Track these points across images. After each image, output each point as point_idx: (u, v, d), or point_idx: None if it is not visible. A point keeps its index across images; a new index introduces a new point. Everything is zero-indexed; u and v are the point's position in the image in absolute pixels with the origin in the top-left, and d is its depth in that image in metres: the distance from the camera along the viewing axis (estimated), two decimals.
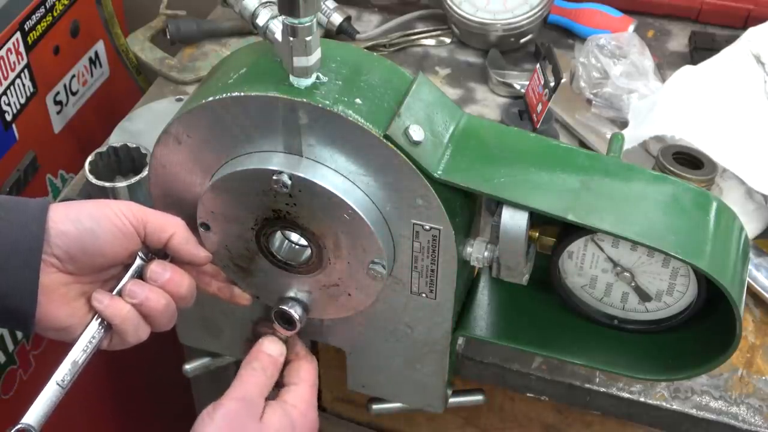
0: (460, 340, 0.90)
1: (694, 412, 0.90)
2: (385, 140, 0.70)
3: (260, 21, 0.74)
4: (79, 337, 0.75)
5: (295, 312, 0.81)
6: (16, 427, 0.69)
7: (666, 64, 1.27)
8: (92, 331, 0.75)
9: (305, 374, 0.83)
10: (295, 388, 0.82)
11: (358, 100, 0.70)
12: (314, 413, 0.82)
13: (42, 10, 1.29)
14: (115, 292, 0.76)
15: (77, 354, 0.74)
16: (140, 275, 0.77)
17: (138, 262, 0.77)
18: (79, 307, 0.75)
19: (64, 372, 0.73)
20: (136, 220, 0.74)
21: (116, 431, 1.61)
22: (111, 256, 0.75)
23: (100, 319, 0.75)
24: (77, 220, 0.72)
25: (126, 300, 0.75)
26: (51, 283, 0.73)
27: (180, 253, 0.77)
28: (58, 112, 1.39)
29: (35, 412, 0.71)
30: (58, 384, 0.73)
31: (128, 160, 1.01)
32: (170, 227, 0.76)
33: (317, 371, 0.85)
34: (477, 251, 0.78)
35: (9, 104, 1.25)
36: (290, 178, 0.72)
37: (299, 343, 0.85)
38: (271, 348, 0.83)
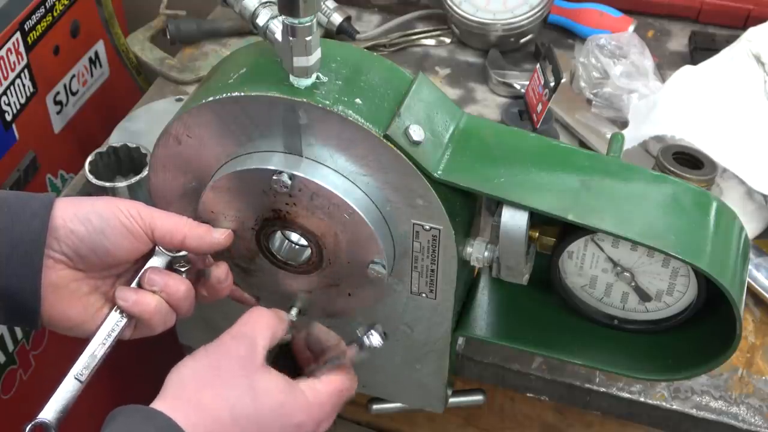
0: (460, 340, 0.90)
1: (694, 412, 0.90)
2: (385, 140, 0.70)
3: (260, 21, 0.74)
4: (97, 330, 0.74)
5: None
6: (33, 422, 0.68)
7: (666, 64, 1.27)
8: (111, 324, 0.74)
9: (336, 380, 0.76)
10: (316, 382, 0.74)
11: (358, 100, 0.70)
12: (316, 417, 0.73)
13: (42, 10, 1.29)
14: (134, 284, 0.75)
15: (96, 347, 0.73)
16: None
17: (158, 255, 0.76)
18: (92, 302, 0.75)
19: (82, 365, 0.72)
20: (144, 223, 0.74)
21: None
22: (120, 255, 0.74)
23: (119, 312, 0.74)
24: (86, 220, 0.72)
25: (146, 288, 0.75)
26: (60, 280, 0.73)
27: (197, 251, 0.77)
28: (58, 112, 1.39)
29: (53, 407, 0.70)
30: (76, 378, 0.71)
31: (128, 160, 1.01)
32: (179, 232, 0.75)
33: (350, 390, 0.77)
34: (477, 251, 0.78)
35: (9, 104, 1.25)
36: (290, 178, 0.72)
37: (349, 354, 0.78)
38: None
